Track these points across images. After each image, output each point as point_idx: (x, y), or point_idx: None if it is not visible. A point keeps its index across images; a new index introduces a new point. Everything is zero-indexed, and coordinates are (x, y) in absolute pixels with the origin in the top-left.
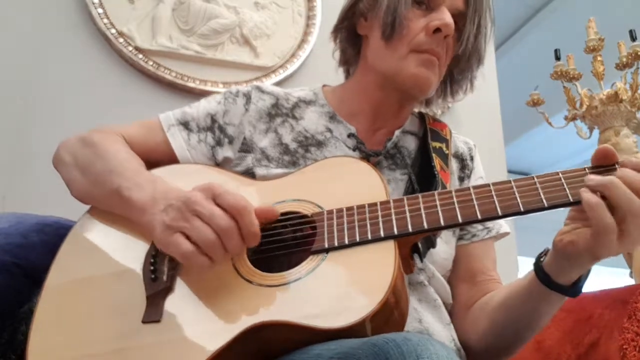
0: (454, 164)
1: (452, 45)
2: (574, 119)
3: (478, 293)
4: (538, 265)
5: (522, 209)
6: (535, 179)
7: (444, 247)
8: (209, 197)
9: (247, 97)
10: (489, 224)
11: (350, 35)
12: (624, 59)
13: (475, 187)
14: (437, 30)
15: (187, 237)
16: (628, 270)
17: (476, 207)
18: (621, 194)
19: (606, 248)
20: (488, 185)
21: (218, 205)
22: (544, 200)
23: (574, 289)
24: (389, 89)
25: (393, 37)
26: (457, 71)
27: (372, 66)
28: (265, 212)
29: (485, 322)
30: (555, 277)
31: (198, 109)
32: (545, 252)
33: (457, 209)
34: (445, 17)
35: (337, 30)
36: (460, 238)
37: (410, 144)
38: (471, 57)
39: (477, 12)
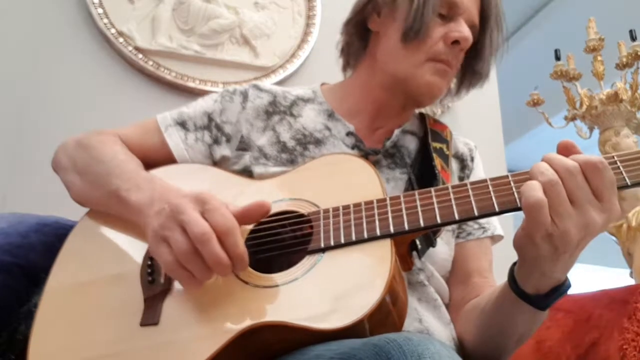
0: (454, 165)
1: (462, 56)
2: (573, 119)
3: (470, 294)
4: (511, 271)
5: (519, 205)
6: None
7: (445, 247)
8: (196, 209)
9: (244, 95)
10: (485, 223)
11: (359, 28)
12: (624, 59)
13: (472, 183)
14: (456, 42)
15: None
16: (628, 270)
17: (473, 203)
18: (536, 168)
19: (536, 223)
20: (485, 181)
21: (206, 219)
22: None
23: (543, 301)
24: (395, 91)
25: (413, 42)
26: (466, 83)
27: (381, 66)
28: (257, 209)
29: (471, 327)
30: (522, 284)
31: (195, 109)
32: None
33: (454, 206)
34: (464, 30)
35: (349, 23)
36: (456, 236)
37: (410, 143)
38: (484, 72)
39: (492, 30)
